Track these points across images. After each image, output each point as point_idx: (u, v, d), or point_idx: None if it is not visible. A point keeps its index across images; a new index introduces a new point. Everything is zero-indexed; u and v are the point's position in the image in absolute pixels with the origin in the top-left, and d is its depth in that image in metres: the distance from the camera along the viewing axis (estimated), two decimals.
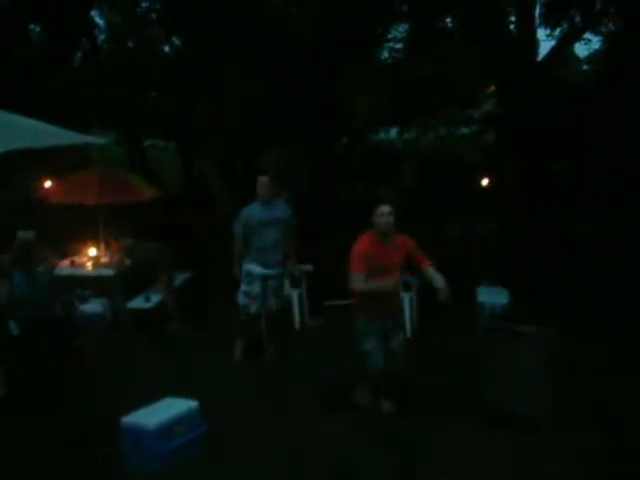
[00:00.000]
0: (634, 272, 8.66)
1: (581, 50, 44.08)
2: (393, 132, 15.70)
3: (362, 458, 4.73)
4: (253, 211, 6.91)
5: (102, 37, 15.71)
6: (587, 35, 12.65)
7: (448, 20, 12.52)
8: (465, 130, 15.97)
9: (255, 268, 6.84)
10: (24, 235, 6.67)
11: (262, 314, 6.96)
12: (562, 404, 5.22)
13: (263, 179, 6.90)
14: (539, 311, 6.93)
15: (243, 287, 6.93)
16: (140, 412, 4.69)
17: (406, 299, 7.85)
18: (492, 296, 8.02)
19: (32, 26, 14.24)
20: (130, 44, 15.70)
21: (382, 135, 15.86)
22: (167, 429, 4.55)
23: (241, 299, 6.96)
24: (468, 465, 4.58)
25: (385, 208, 5.26)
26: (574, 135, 11.02)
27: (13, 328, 6.39)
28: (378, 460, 4.69)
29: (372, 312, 5.34)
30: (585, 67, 17.52)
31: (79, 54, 15.48)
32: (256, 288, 6.87)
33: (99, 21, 15.28)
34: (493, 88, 12.80)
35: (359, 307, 5.42)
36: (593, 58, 15.54)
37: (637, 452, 4.73)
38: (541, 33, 17.49)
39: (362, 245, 5.29)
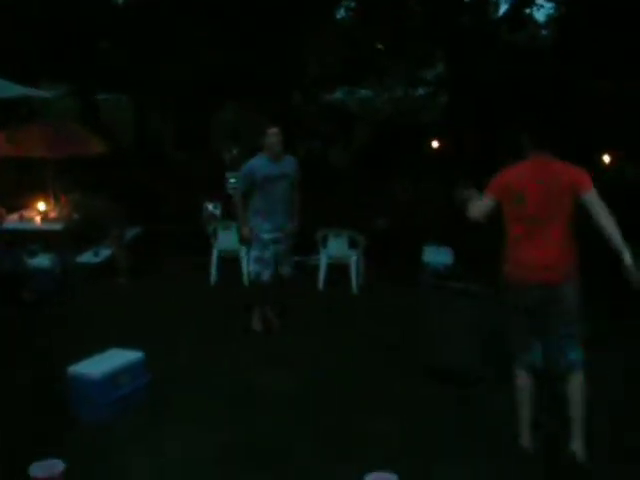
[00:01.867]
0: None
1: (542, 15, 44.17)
2: (343, 92, 15.73)
3: (300, 405, 4.91)
4: (259, 166, 6.24)
5: None
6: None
7: None
8: (420, 91, 16.09)
9: (265, 234, 6.33)
10: None
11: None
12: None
13: (273, 130, 6.22)
14: (480, 271, 7.17)
15: (255, 252, 6.39)
16: (86, 362, 4.78)
17: (353, 257, 8.06)
18: (436, 256, 8.23)
19: None
20: None
21: (337, 95, 15.91)
22: (112, 378, 4.65)
23: (252, 265, 6.47)
24: (404, 412, 4.80)
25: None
26: (522, 98, 11.22)
27: None
28: (316, 408, 4.88)
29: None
30: (544, 32, 17.72)
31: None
32: (268, 253, 6.37)
33: None
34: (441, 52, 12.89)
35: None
36: (548, 24, 15.74)
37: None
38: None
39: None
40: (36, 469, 3.53)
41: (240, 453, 4.28)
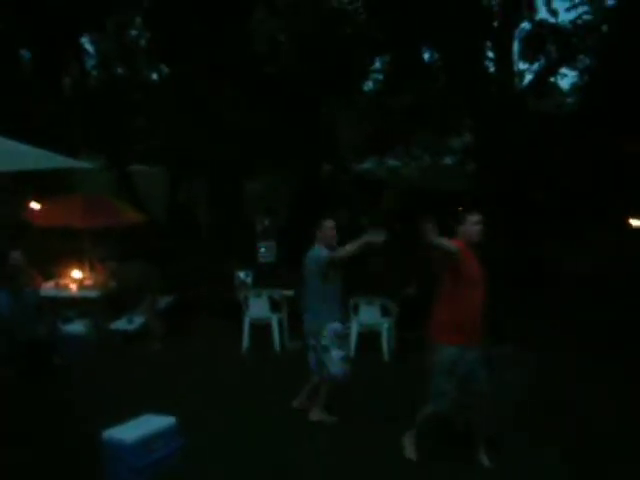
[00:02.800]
0: (602, 301, 8.95)
1: (567, 84, 44.70)
2: (373, 162, 16.00)
3: (336, 477, 4.85)
4: (325, 257, 5.90)
5: (91, 63, 16.00)
6: (564, 70, 13.05)
7: (427, 54, 12.91)
8: (447, 160, 16.30)
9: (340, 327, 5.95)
10: (13, 255, 6.79)
11: None
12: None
13: (330, 223, 6.01)
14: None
15: (337, 352, 5.84)
16: (120, 427, 4.82)
17: (384, 324, 8.05)
18: None
19: (22, 51, 14.47)
20: (119, 70, 16.02)
21: (365, 165, 16.18)
22: (146, 443, 4.68)
23: (338, 367, 5.85)
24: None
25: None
26: (550, 166, 11.33)
27: None
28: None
29: None
30: (569, 100, 17.96)
31: (68, 80, 15.72)
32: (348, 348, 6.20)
33: (88, 47, 15.58)
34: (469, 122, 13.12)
35: None
36: (573, 91, 15.96)
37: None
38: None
39: None
40: None
41: None
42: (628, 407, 6.01)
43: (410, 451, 5.11)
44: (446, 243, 4.72)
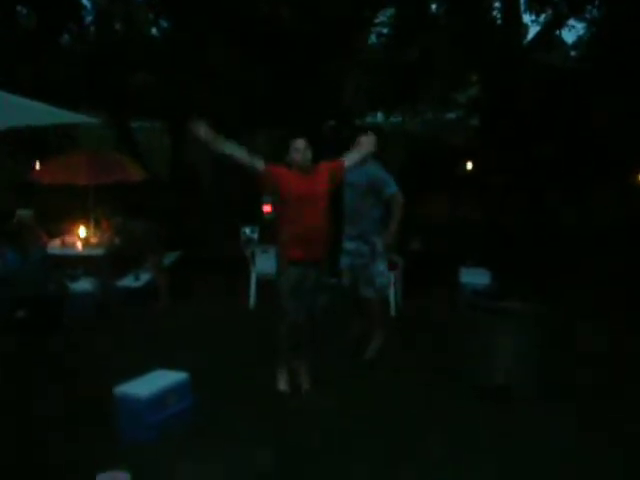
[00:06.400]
0: (614, 254, 8.94)
1: (570, 36, 44.12)
2: (379, 116, 15.85)
3: (347, 428, 4.90)
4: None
5: (89, 19, 15.71)
6: (572, 22, 12.85)
7: (433, 5, 12.67)
8: (451, 115, 16.16)
9: None
10: (23, 213, 6.74)
11: None
12: (544, 379, 5.44)
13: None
14: (520, 290, 7.17)
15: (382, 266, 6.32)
16: (132, 383, 4.84)
17: (391, 278, 8.06)
18: (474, 276, 8.21)
19: (19, 8, 14.23)
20: (117, 26, 15.74)
21: (369, 119, 16.01)
22: (160, 398, 4.70)
23: (384, 277, 6.42)
24: (452, 433, 4.78)
25: (300, 143, 5.35)
26: (557, 119, 11.24)
27: None
28: (362, 428, 4.87)
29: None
30: (573, 53, 17.74)
31: (66, 36, 15.47)
32: None
33: (85, 2, 15.31)
34: (476, 75, 12.96)
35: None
36: (579, 44, 15.74)
37: (608, 421, 4.96)
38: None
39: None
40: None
41: (285, 474, 4.29)
42: None
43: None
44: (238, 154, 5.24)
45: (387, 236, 6.16)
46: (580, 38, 14.86)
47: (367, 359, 6.18)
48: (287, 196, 5.25)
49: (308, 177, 5.31)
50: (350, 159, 5.58)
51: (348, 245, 6.27)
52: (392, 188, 6.17)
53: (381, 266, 6.23)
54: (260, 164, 5.31)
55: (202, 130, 5.09)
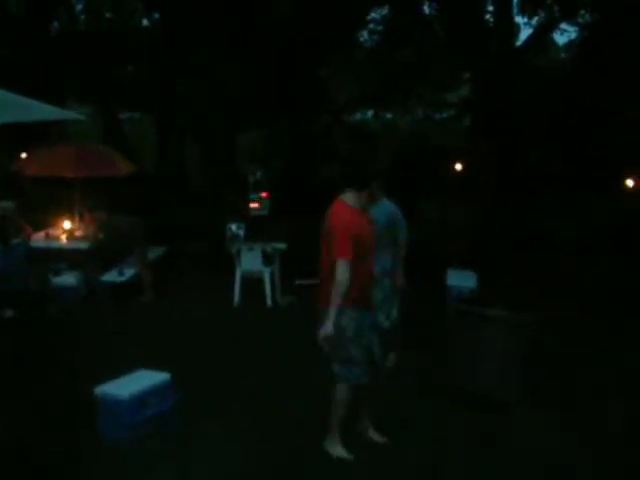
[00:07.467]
0: (600, 258, 8.96)
1: (562, 39, 44.26)
2: (369, 114, 15.84)
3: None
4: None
5: (79, 7, 15.59)
6: (564, 25, 12.86)
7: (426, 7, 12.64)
8: (442, 114, 16.15)
9: None
10: (5, 205, 6.65)
11: None
12: (528, 386, 5.42)
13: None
14: (504, 296, 7.15)
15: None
16: (114, 383, 4.79)
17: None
18: (460, 279, 8.19)
19: None
20: (108, 15, 15.64)
21: (359, 116, 16.01)
22: (140, 399, 4.66)
23: None
24: (436, 443, 4.74)
25: None
26: (548, 122, 11.26)
27: None
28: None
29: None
30: (563, 55, 17.81)
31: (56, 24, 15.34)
32: None
33: None
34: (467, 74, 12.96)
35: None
36: (570, 47, 15.80)
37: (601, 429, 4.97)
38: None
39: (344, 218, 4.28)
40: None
41: (268, 474, 4.26)
42: None
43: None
44: None
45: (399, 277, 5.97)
46: (571, 41, 14.94)
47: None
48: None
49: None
50: None
51: None
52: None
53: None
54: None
55: None
